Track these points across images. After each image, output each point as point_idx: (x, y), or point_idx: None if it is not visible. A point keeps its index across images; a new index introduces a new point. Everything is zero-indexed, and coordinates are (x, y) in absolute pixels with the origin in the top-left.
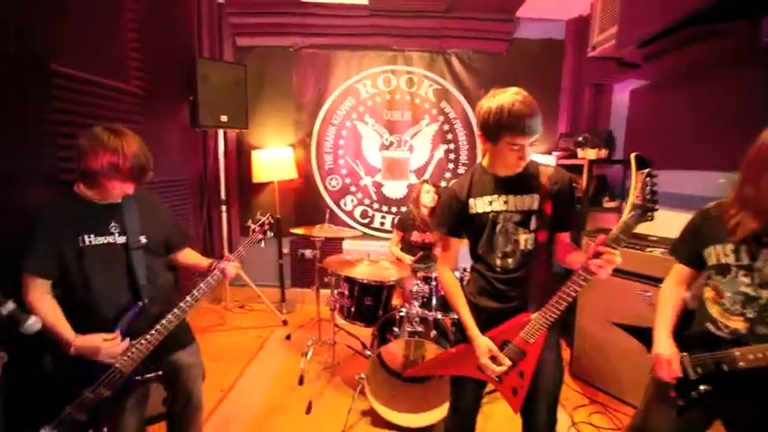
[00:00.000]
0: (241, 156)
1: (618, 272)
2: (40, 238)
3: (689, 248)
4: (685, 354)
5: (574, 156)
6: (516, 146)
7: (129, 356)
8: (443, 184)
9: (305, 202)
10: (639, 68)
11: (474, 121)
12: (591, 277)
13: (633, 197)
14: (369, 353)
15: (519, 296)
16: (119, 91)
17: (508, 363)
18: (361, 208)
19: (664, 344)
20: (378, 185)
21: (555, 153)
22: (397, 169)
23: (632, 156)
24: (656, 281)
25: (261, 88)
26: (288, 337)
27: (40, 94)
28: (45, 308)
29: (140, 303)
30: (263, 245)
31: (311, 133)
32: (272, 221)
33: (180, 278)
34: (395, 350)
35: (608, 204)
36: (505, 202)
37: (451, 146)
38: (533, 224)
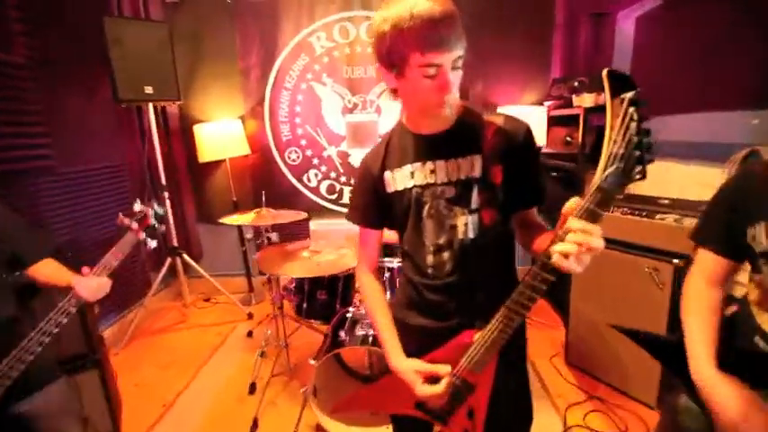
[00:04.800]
0: (187, 133)
1: (620, 244)
2: None
3: (724, 228)
4: None
5: (569, 105)
6: (432, 68)
7: None
8: None
9: (263, 180)
10: None
11: None
12: (553, 274)
13: (609, 144)
14: (312, 362)
15: (461, 309)
16: None
17: (447, 369)
18: (327, 182)
19: (720, 388)
20: (343, 155)
21: (547, 103)
22: (363, 135)
23: (603, 73)
24: (668, 255)
25: (198, 51)
26: (249, 334)
27: None
28: None
29: None
30: (152, 245)
31: (263, 101)
32: (158, 213)
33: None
34: (358, 354)
35: None
36: (432, 171)
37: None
38: (475, 200)
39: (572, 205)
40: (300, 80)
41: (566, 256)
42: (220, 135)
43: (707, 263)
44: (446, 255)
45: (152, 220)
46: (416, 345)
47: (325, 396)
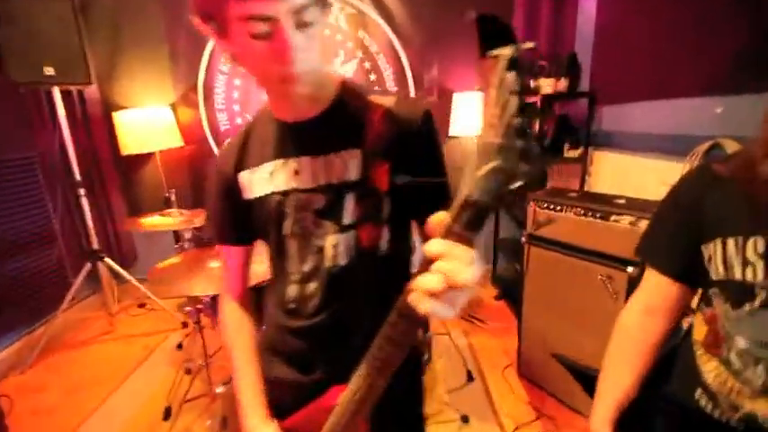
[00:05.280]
0: (111, 121)
1: (572, 249)
2: None
3: (674, 243)
4: None
5: (529, 91)
6: (259, 22)
7: None
8: None
9: (201, 175)
10: None
11: (403, 54)
12: (416, 324)
13: (486, 126)
14: (220, 389)
15: (330, 359)
16: None
17: None
18: None
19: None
20: None
21: None
22: None
23: (471, 16)
24: (622, 262)
25: (119, 28)
26: (179, 347)
27: None
28: None
29: None
30: None
31: (196, 86)
32: None
33: None
34: None
35: (570, 153)
36: (297, 173)
37: (376, 89)
38: (350, 212)
39: (436, 223)
40: None
41: (430, 294)
42: (147, 124)
43: (651, 285)
44: (312, 286)
45: None
46: (277, 403)
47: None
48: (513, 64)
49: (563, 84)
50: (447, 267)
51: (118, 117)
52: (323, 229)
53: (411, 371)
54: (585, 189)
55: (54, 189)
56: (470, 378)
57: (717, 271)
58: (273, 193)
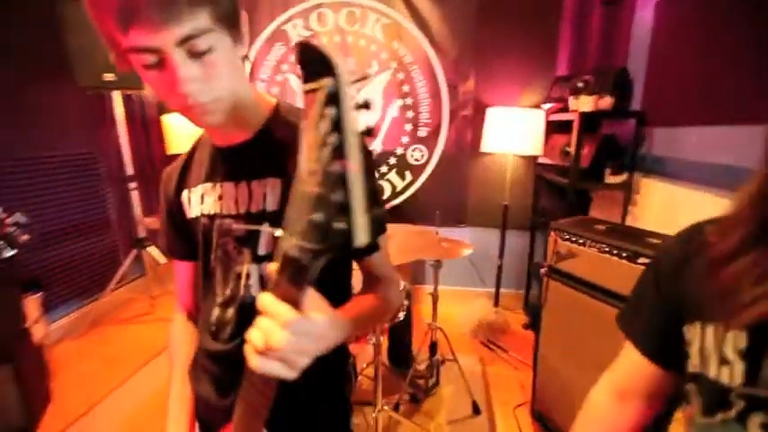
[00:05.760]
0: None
1: (592, 287)
2: None
3: (653, 319)
4: None
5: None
6: (146, 54)
7: None
8: (399, 150)
9: None
10: None
11: (438, 66)
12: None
13: (304, 172)
14: None
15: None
16: None
17: None
18: None
19: None
20: None
21: (545, 106)
22: None
23: (296, 45)
24: None
25: None
26: None
27: None
28: None
29: None
30: (6, 254)
31: None
32: (20, 222)
33: None
34: None
35: (611, 179)
36: (220, 197)
37: (408, 100)
38: (265, 243)
39: (269, 273)
40: (275, 72)
41: (256, 351)
42: (189, 126)
43: (627, 361)
44: (230, 312)
45: (10, 228)
46: (204, 418)
47: None
48: (332, 98)
49: (607, 101)
50: (265, 326)
51: (165, 119)
52: (242, 257)
53: (333, 386)
54: (628, 220)
55: (112, 182)
56: (476, 411)
57: (693, 361)
58: (202, 216)
